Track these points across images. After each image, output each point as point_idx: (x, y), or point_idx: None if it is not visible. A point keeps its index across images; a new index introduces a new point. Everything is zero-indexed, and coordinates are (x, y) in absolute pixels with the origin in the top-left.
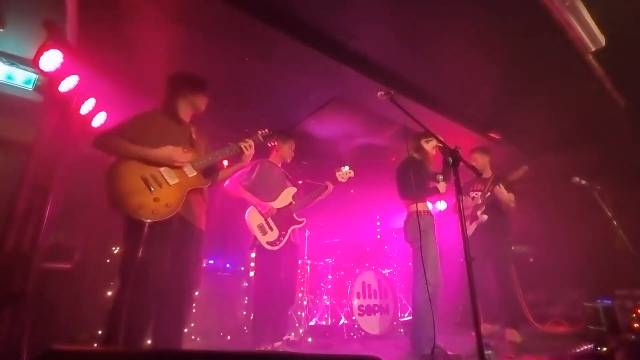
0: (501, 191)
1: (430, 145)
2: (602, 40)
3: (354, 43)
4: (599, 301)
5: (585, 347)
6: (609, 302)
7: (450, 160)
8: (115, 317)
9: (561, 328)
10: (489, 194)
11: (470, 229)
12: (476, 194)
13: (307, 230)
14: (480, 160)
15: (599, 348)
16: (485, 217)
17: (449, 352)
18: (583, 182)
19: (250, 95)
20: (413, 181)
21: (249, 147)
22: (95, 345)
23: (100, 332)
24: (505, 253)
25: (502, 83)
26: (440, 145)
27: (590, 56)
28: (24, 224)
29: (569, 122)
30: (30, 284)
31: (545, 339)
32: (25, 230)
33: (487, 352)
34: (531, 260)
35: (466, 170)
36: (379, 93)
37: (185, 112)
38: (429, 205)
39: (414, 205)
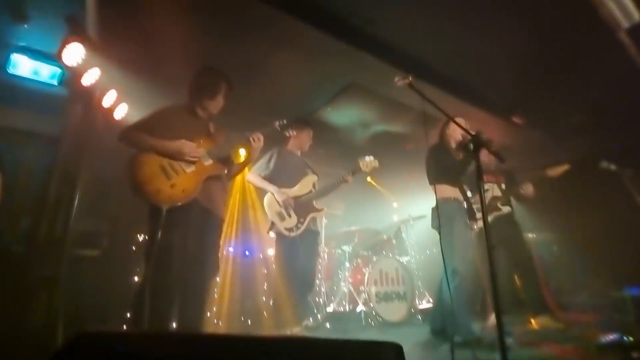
0: (528, 188)
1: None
2: (636, 15)
3: (370, 28)
4: (626, 290)
5: (611, 337)
6: (637, 290)
7: (472, 146)
8: (140, 302)
9: (586, 317)
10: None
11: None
12: (489, 186)
13: (324, 218)
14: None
15: (625, 338)
16: (508, 208)
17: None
18: (612, 167)
19: (265, 83)
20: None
21: (256, 140)
22: (124, 327)
23: (128, 315)
24: (521, 241)
25: (526, 64)
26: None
27: (623, 33)
28: (55, 213)
29: (598, 104)
30: (63, 270)
31: (568, 328)
32: (57, 218)
33: (508, 339)
34: (554, 248)
35: None
36: (396, 78)
37: (201, 111)
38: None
39: (441, 191)
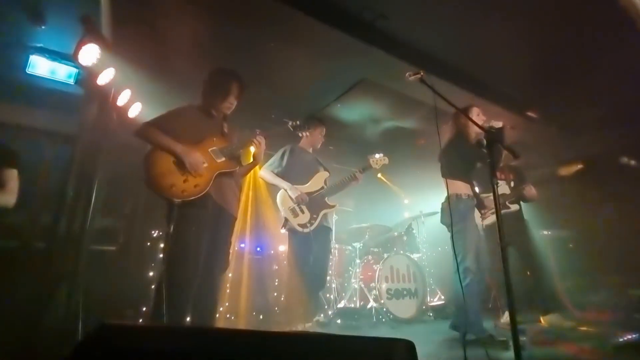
0: (531, 191)
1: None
2: None
3: (381, 22)
4: None
5: (629, 337)
6: None
7: (485, 141)
8: (158, 295)
9: (603, 316)
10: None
11: (493, 217)
12: (499, 183)
13: (335, 215)
14: None
15: None
16: (516, 206)
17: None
18: (632, 162)
19: (276, 80)
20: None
21: (258, 144)
22: (141, 320)
23: (144, 308)
24: (528, 238)
25: (542, 57)
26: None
27: None
28: (74, 209)
29: (618, 98)
30: (82, 265)
31: (585, 327)
32: (75, 215)
33: (522, 338)
34: (570, 245)
35: None
36: (407, 74)
37: (215, 111)
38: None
39: (454, 187)
